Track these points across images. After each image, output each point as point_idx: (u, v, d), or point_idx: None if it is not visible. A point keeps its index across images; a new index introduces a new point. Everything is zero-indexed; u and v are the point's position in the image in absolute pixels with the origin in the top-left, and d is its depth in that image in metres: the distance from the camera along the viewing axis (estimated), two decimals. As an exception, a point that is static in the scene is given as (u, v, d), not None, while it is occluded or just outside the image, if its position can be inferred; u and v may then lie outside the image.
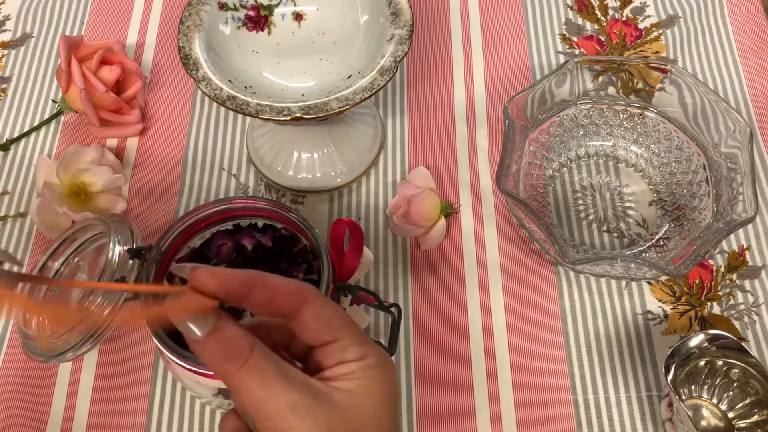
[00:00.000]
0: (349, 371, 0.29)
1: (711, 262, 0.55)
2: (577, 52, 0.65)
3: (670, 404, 0.45)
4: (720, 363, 0.47)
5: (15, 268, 0.39)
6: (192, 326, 0.27)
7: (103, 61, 0.59)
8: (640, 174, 0.58)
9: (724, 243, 0.55)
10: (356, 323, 0.31)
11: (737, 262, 0.54)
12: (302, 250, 0.46)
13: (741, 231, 0.56)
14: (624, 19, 0.67)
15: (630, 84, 0.57)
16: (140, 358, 0.51)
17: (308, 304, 0.30)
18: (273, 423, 0.27)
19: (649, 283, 0.54)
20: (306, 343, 0.30)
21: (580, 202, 0.57)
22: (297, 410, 0.27)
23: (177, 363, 0.39)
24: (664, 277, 0.53)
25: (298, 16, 0.53)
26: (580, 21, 0.67)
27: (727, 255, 0.55)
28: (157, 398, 0.50)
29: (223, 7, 0.51)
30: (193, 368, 0.39)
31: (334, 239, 0.45)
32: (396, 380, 0.33)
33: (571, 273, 0.54)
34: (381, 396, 0.30)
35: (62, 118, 0.63)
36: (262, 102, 0.45)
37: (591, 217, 0.56)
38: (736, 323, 0.52)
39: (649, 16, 0.67)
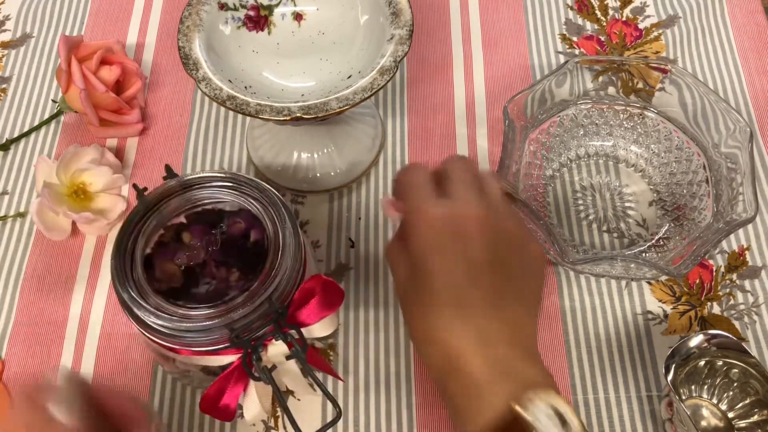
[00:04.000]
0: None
1: (711, 262, 0.55)
2: (577, 52, 0.65)
3: (670, 404, 0.45)
4: (720, 363, 0.47)
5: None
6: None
7: (103, 61, 0.59)
8: (640, 174, 0.58)
9: (724, 243, 0.55)
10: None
11: (737, 262, 0.54)
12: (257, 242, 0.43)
13: (741, 231, 0.56)
14: (624, 19, 0.67)
15: (630, 84, 0.57)
16: (140, 357, 0.51)
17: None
18: None
19: (649, 283, 0.54)
20: None
21: (580, 202, 0.57)
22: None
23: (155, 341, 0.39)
24: (664, 277, 0.53)
25: (298, 16, 0.53)
26: (580, 21, 0.67)
27: (727, 255, 0.55)
28: (157, 398, 0.50)
29: (223, 7, 0.51)
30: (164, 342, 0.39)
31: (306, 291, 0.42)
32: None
33: (571, 273, 0.54)
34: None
35: (62, 118, 0.63)
36: (262, 102, 0.45)
37: (591, 217, 0.56)
38: (736, 323, 0.52)
39: (649, 16, 0.67)
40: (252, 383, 0.40)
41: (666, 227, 0.54)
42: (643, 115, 0.56)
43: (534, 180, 0.56)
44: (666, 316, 0.52)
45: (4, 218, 0.58)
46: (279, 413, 0.50)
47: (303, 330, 0.39)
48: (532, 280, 0.40)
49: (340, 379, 0.50)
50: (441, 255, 0.37)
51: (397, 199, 0.41)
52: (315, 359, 0.43)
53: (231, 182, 0.43)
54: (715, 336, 0.46)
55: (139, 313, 0.38)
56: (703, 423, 0.48)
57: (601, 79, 0.57)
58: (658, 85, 0.56)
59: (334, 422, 0.37)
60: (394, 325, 0.52)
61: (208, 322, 0.38)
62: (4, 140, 0.62)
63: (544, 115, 0.56)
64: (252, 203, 0.42)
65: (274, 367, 0.40)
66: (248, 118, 0.62)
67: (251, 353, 0.39)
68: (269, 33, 0.53)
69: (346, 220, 0.57)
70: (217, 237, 0.43)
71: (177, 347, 0.40)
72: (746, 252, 0.55)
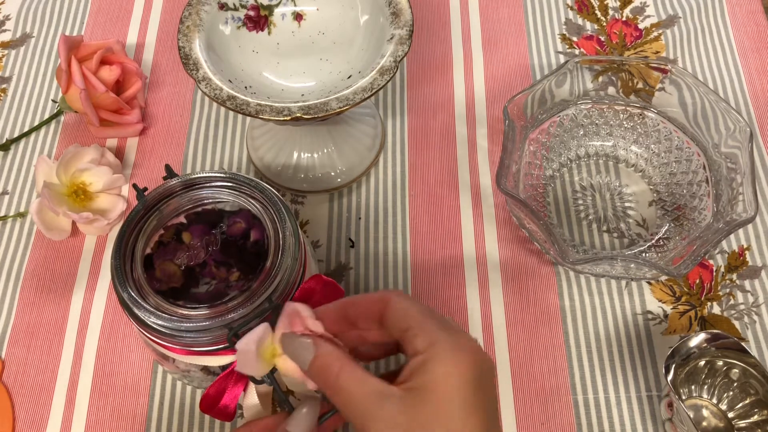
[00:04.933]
0: (417, 366, 0.32)
1: (711, 262, 0.55)
2: (577, 52, 0.65)
3: (670, 404, 0.45)
4: (720, 363, 0.47)
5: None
6: (300, 355, 0.35)
7: (103, 61, 0.59)
8: (640, 174, 0.58)
9: (724, 243, 0.55)
10: (433, 315, 0.34)
11: (737, 262, 0.54)
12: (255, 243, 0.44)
13: (741, 231, 0.56)
14: (624, 19, 0.67)
15: (630, 84, 0.57)
16: (140, 357, 0.51)
17: (390, 304, 0.34)
18: (359, 427, 0.33)
19: (649, 283, 0.54)
20: (394, 339, 0.35)
21: (580, 202, 0.57)
22: (373, 417, 0.32)
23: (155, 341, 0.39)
24: (664, 277, 0.53)
25: (298, 16, 0.53)
26: (580, 21, 0.67)
27: (727, 255, 0.55)
28: (156, 397, 0.50)
29: (223, 7, 0.51)
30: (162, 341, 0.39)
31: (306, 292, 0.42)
32: (478, 367, 0.32)
33: (571, 273, 0.54)
34: (450, 385, 0.31)
35: (62, 118, 0.63)
36: (262, 102, 0.45)
37: (591, 217, 0.56)
38: (736, 323, 0.52)
39: (649, 16, 0.67)
40: (252, 383, 0.40)
41: (666, 227, 0.54)
42: (643, 115, 0.56)
43: (534, 180, 0.56)
44: (666, 316, 0.52)
45: (4, 218, 0.58)
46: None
47: None
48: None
49: None
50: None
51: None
52: None
53: (231, 182, 0.43)
54: (715, 336, 0.46)
55: (139, 313, 0.38)
56: (703, 423, 0.48)
57: (601, 79, 0.57)
58: (658, 85, 0.56)
59: (332, 412, 0.37)
60: (394, 325, 0.52)
61: (207, 322, 0.38)
62: (4, 140, 0.62)
63: (544, 115, 0.56)
64: (252, 203, 0.42)
65: (274, 368, 0.40)
66: (248, 118, 0.62)
67: None
68: (269, 33, 0.53)
69: (346, 220, 0.57)
70: (217, 237, 0.43)
71: (177, 347, 0.40)
72: (746, 252, 0.55)
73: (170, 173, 0.43)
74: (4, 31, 0.69)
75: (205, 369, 0.44)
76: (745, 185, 0.49)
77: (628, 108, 0.57)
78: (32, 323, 0.53)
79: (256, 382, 0.39)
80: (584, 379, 0.50)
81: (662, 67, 0.55)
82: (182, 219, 0.44)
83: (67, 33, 0.68)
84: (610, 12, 0.68)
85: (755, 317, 0.52)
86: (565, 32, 0.66)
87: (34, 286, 0.55)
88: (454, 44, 0.66)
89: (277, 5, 0.53)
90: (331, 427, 0.39)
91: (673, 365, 0.45)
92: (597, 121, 0.58)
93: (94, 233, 0.57)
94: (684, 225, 0.53)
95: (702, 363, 0.47)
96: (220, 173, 0.43)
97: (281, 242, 0.41)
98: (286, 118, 0.44)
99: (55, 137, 0.62)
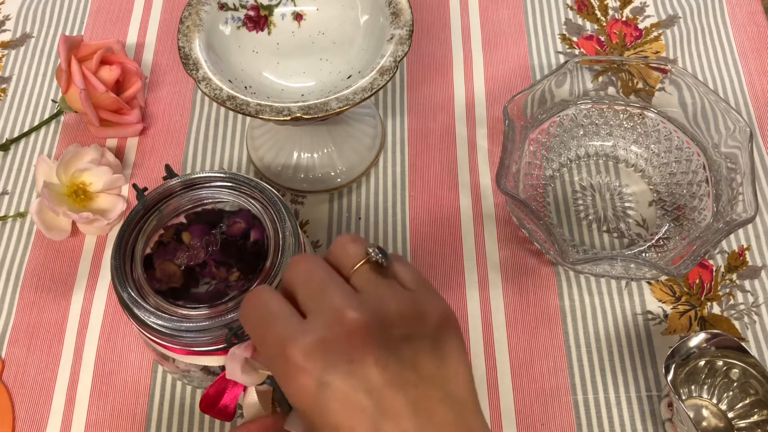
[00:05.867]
0: None
1: (711, 262, 0.55)
2: (577, 52, 0.65)
3: (670, 404, 0.45)
4: (720, 363, 0.47)
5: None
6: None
7: (103, 61, 0.59)
8: (640, 174, 0.58)
9: (724, 243, 0.55)
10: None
11: (737, 262, 0.54)
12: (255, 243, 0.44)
13: (741, 231, 0.56)
14: (624, 19, 0.67)
15: (630, 84, 0.57)
16: (140, 357, 0.51)
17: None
18: None
19: (649, 283, 0.54)
20: None
21: (580, 202, 0.57)
22: None
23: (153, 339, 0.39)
24: (664, 277, 0.53)
25: (298, 16, 0.53)
26: (580, 21, 0.67)
27: (727, 255, 0.55)
28: (156, 397, 0.50)
29: (223, 7, 0.51)
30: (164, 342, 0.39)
31: None
32: None
33: (571, 273, 0.54)
34: None
35: (62, 118, 0.63)
36: (262, 102, 0.45)
37: (591, 217, 0.56)
38: (736, 323, 0.52)
39: (649, 16, 0.67)
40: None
41: (666, 227, 0.54)
42: (643, 115, 0.56)
43: (534, 180, 0.56)
44: (666, 316, 0.52)
45: (4, 218, 0.58)
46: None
47: None
48: (451, 351, 0.32)
49: None
50: (337, 402, 0.29)
51: (250, 345, 0.36)
52: None
53: (231, 182, 0.43)
54: (715, 336, 0.46)
55: (139, 313, 0.38)
56: (703, 423, 0.48)
57: (601, 79, 0.57)
58: (658, 85, 0.56)
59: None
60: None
61: (207, 322, 0.38)
62: (4, 140, 0.62)
63: (544, 115, 0.56)
64: (252, 203, 0.43)
65: None
66: (248, 118, 0.62)
67: None
68: (269, 33, 0.53)
69: (346, 220, 0.57)
70: (217, 237, 0.43)
71: (176, 347, 0.40)
72: (746, 252, 0.55)
73: (170, 173, 0.43)
74: (4, 31, 0.69)
75: (205, 369, 0.44)
76: (745, 185, 0.49)
77: (628, 108, 0.57)
78: (32, 323, 0.53)
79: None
80: (584, 380, 0.50)
81: (662, 67, 0.55)
82: (182, 219, 0.44)
83: (67, 33, 0.68)
84: (610, 12, 0.68)
85: (755, 317, 0.52)
86: (565, 32, 0.66)
87: (34, 286, 0.55)
88: (454, 45, 0.66)
89: (277, 5, 0.53)
90: None
91: (673, 365, 0.45)
92: (597, 121, 0.58)
93: (94, 233, 0.57)
94: (684, 225, 0.53)
95: (702, 363, 0.47)
96: (220, 173, 0.43)
97: (281, 242, 0.41)
98: (286, 118, 0.45)
99: (55, 137, 0.62)
